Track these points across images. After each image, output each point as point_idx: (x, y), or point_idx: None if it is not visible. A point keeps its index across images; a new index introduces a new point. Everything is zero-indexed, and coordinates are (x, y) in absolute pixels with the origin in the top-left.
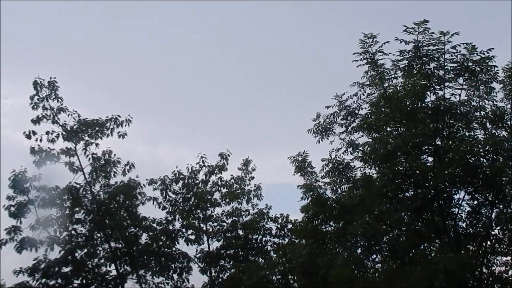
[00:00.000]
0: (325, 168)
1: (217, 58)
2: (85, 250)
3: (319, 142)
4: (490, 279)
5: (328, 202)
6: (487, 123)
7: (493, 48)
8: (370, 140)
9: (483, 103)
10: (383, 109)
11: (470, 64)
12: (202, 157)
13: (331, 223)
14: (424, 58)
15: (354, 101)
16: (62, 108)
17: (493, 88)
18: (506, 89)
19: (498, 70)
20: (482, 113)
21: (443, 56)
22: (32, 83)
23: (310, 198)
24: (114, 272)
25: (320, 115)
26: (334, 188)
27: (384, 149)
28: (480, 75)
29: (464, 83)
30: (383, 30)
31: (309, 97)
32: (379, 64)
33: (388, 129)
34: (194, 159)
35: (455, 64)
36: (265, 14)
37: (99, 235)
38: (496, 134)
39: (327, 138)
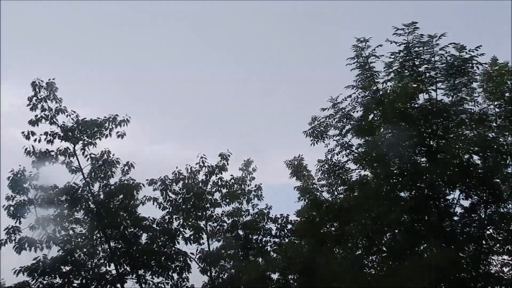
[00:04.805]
0: (321, 169)
1: (219, 59)
2: (85, 250)
3: (314, 145)
4: (491, 279)
5: (324, 205)
6: (473, 124)
7: (481, 46)
8: (362, 142)
9: (467, 104)
10: (375, 112)
11: (460, 63)
12: (202, 157)
13: (328, 225)
14: (416, 60)
15: (349, 103)
16: (61, 109)
17: (474, 88)
18: (487, 91)
19: (475, 71)
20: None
21: (434, 57)
22: (31, 84)
23: (306, 200)
24: (113, 272)
25: (315, 118)
26: (331, 190)
27: (377, 151)
28: (470, 74)
29: (456, 83)
30: (380, 30)
31: (313, 97)
32: (367, 67)
33: (381, 130)
34: (197, 159)
35: (445, 65)
36: (267, 15)
37: (98, 235)
38: (484, 134)
39: (323, 141)
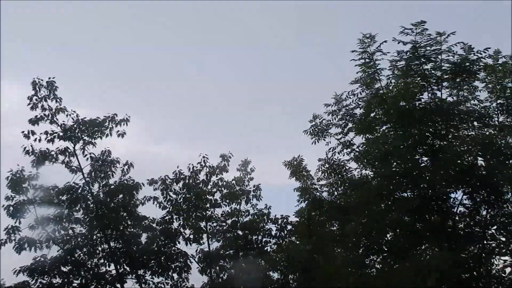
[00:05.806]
0: (321, 168)
1: (220, 59)
2: (85, 249)
3: (315, 143)
4: (494, 280)
5: (324, 205)
6: (475, 122)
7: (489, 48)
8: (364, 141)
9: (469, 103)
10: (377, 110)
11: (467, 64)
12: (204, 157)
13: (328, 225)
14: (422, 59)
15: (352, 100)
16: (61, 108)
17: (476, 87)
18: (489, 86)
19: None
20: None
21: (440, 56)
22: (31, 83)
23: (306, 201)
24: (113, 272)
25: (316, 117)
26: (331, 190)
27: (379, 150)
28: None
29: (462, 83)
30: (384, 30)
31: (314, 97)
32: (372, 64)
33: (383, 128)
34: (199, 159)
35: (452, 65)
36: (268, 14)
37: (98, 234)
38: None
39: (324, 139)
